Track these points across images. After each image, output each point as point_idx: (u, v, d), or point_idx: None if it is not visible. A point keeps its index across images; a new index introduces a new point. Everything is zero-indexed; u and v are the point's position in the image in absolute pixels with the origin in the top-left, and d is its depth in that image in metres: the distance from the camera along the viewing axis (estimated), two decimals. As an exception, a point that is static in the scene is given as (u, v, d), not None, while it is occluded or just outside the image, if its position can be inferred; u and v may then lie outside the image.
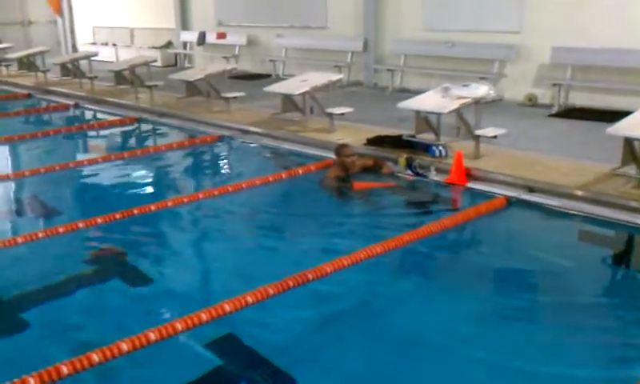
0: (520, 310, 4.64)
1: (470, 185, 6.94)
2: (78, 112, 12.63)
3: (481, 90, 7.81)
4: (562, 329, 4.30)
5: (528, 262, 5.42)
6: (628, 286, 5.30)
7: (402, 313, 4.61)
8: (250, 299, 4.38)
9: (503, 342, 4.14)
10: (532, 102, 11.26)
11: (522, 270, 5.29)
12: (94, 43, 21.57)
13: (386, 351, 4.07)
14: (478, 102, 7.74)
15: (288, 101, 9.73)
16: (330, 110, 9.14)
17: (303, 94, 9.33)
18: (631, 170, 6.39)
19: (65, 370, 3.58)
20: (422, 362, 3.98)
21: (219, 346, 4.11)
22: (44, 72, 15.76)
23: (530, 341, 4.17)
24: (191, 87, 11.51)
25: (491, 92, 8.04)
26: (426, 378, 3.81)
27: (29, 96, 14.30)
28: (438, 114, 7.66)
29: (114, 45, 20.57)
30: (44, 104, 13.39)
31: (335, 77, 9.85)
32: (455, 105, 7.53)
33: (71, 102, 13.03)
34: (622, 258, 5.72)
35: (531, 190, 6.58)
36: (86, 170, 8.27)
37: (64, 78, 15.21)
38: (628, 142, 6.33)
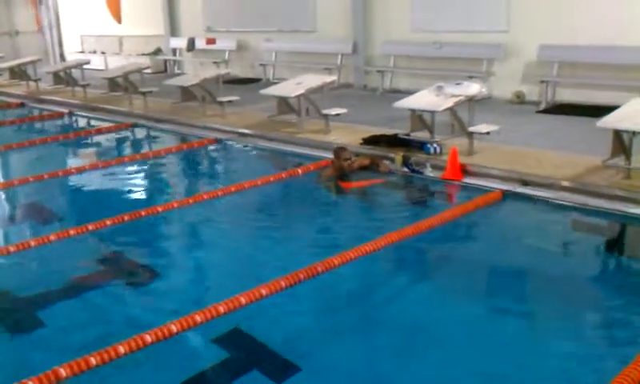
0: (518, 298, 4.84)
1: (466, 180, 7.15)
2: (73, 119, 12.74)
3: (473, 87, 8.03)
4: (559, 314, 4.47)
5: (526, 251, 5.63)
6: (620, 272, 5.54)
7: (405, 305, 4.77)
8: (263, 292, 4.56)
9: (501, 331, 4.31)
10: (520, 99, 11.49)
11: (521, 260, 5.49)
12: (82, 52, 21.62)
13: (389, 343, 4.21)
14: (470, 100, 7.95)
15: (283, 103, 9.89)
16: (325, 112, 9.32)
17: (298, 97, 9.49)
18: (620, 161, 6.62)
19: (93, 361, 3.75)
20: (424, 354, 4.11)
21: (228, 338, 4.24)
22: (36, 81, 15.80)
23: (528, 327, 4.38)
24: (186, 92, 11.67)
25: (483, 90, 8.28)
26: (427, 369, 3.92)
27: (22, 105, 14.37)
28: (433, 112, 7.87)
29: (103, 53, 20.65)
30: (37, 112, 13.46)
31: (329, 79, 10.03)
32: (450, 103, 7.74)
33: (65, 110, 13.14)
34: (614, 246, 5.97)
35: (525, 183, 6.80)
36: (89, 175, 8.39)
37: (56, 86, 15.25)
38: (617, 134, 6.55)
